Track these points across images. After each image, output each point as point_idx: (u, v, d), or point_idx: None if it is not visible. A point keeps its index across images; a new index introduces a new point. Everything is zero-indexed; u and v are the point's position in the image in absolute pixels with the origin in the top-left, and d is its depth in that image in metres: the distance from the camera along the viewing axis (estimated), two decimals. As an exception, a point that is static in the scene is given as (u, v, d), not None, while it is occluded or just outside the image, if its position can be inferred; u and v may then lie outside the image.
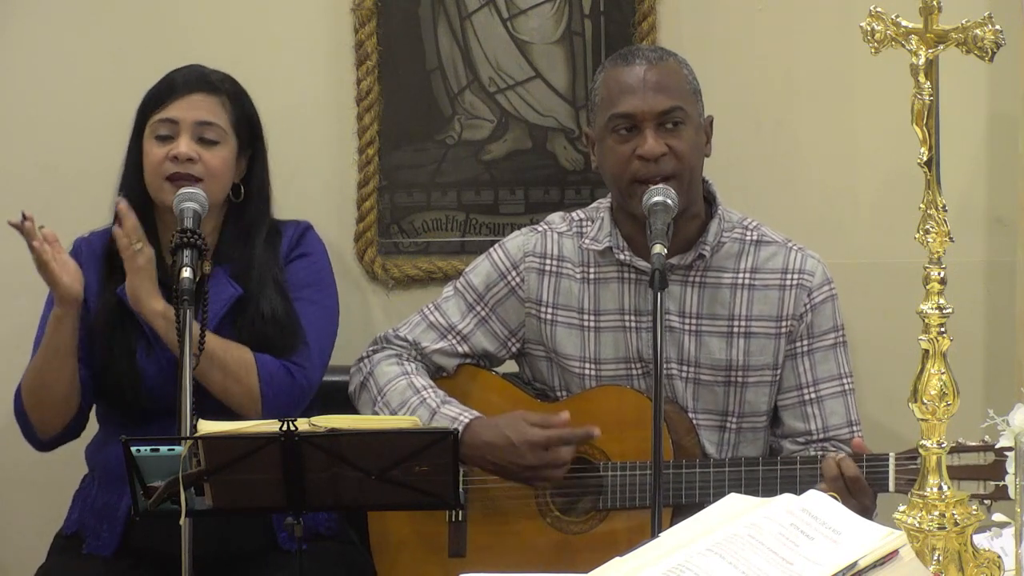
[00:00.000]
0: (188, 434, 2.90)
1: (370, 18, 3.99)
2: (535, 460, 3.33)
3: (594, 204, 3.57)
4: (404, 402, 3.42)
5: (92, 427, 3.62)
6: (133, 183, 3.52)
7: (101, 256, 3.53)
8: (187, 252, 3.15)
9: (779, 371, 3.44)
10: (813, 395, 3.44)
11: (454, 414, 3.37)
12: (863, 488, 3.16)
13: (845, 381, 3.45)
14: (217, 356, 3.36)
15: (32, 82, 4.05)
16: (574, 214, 3.56)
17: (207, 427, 2.84)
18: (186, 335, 3.05)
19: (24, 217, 3.31)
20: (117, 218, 3.37)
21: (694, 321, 3.43)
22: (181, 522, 2.86)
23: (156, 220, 3.51)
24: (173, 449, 2.82)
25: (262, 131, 3.60)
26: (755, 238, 3.47)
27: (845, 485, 3.15)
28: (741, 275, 3.44)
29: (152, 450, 2.83)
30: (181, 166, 3.44)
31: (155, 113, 3.51)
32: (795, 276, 3.44)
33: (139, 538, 3.45)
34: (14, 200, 3.98)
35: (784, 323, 3.43)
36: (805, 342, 3.44)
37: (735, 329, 3.43)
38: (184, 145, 3.46)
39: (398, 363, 3.50)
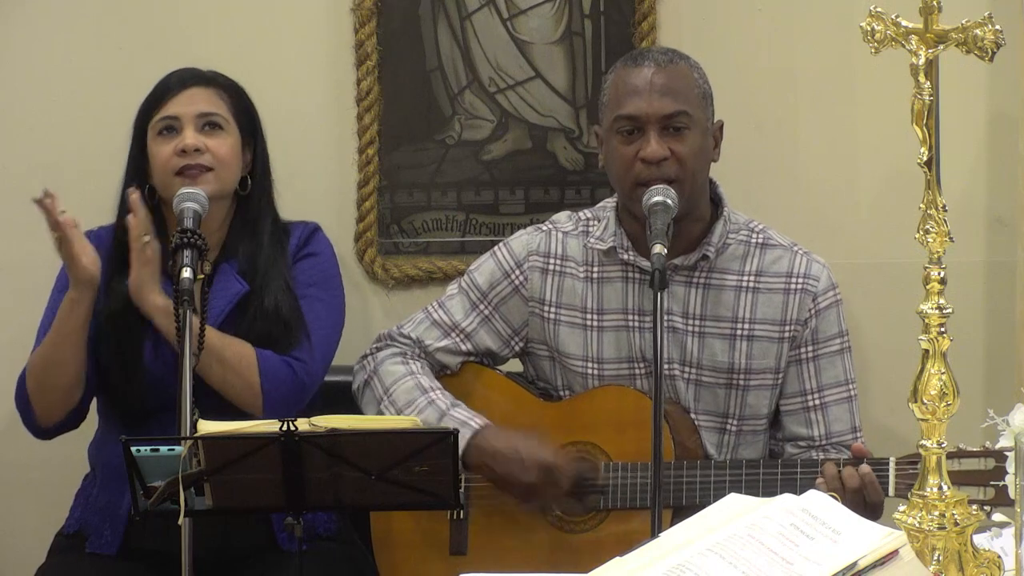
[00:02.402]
0: (188, 434, 2.90)
1: (370, 18, 3.99)
2: (536, 479, 3.33)
3: (601, 203, 3.56)
4: (411, 402, 3.42)
5: (94, 424, 3.61)
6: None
7: (109, 251, 3.52)
8: (187, 252, 3.15)
9: (780, 375, 3.44)
10: (817, 401, 3.43)
11: (465, 417, 3.37)
12: (875, 491, 3.14)
13: (850, 387, 3.44)
14: (215, 350, 3.35)
15: (32, 82, 4.05)
16: (580, 213, 3.56)
17: (207, 427, 2.84)
18: (186, 336, 3.05)
19: (45, 194, 3.29)
20: (129, 209, 3.36)
21: (697, 322, 3.43)
22: (180, 522, 2.86)
23: (165, 220, 3.51)
24: (173, 449, 2.81)
25: (260, 123, 3.61)
26: (760, 241, 3.46)
27: (860, 493, 3.12)
28: (745, 277, 3.44)
29: (152, 450, 2.83)
30: (190, 158, 3.45)
31: (155, 113, 3.51)
32: (800, 280, 3.43)
33: (141, 538, 3.44)
34: (14, 200, 3.99)
35: (787, 327, 3.42)
36: (810, 348, 3.43)
37: (738, 331, 3.42)
38: (190, 137, 3.46)
39: (403, 362, 3.50)
